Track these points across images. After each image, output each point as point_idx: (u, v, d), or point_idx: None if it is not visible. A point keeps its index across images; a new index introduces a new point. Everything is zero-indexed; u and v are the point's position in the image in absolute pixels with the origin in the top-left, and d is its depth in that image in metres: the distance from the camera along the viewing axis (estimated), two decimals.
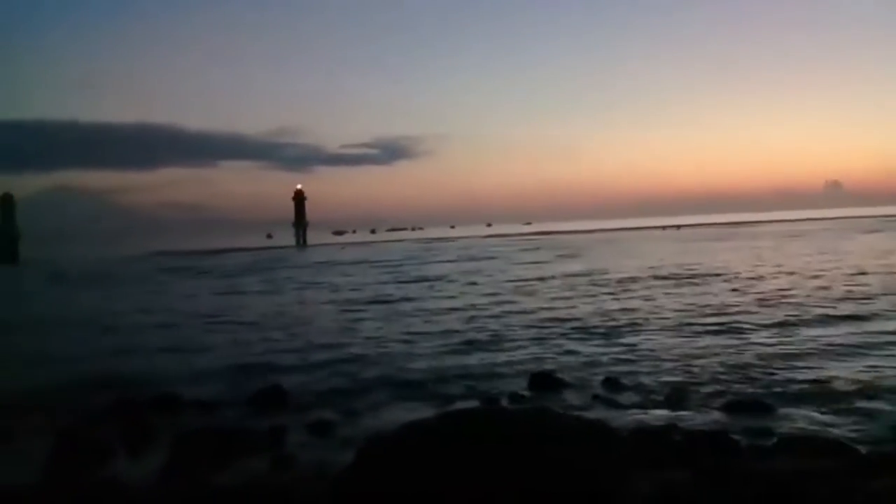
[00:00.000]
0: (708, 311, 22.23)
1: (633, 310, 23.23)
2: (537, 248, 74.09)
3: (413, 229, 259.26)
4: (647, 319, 21.01)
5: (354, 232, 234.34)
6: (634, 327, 19.70)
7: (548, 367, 14.80)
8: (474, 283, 36.40)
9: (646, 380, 13.53)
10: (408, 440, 4.76)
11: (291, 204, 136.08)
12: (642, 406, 11.78)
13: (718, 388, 12.71)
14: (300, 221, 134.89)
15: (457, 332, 20.36)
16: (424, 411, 11.69)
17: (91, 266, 75.40)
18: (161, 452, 9.97)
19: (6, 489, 8.34)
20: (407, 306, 27.61)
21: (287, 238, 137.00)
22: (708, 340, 17.29)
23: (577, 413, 9.16)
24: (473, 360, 16.22)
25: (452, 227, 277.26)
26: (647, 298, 26.22)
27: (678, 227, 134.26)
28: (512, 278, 38.16)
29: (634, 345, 17.07)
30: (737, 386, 12.78)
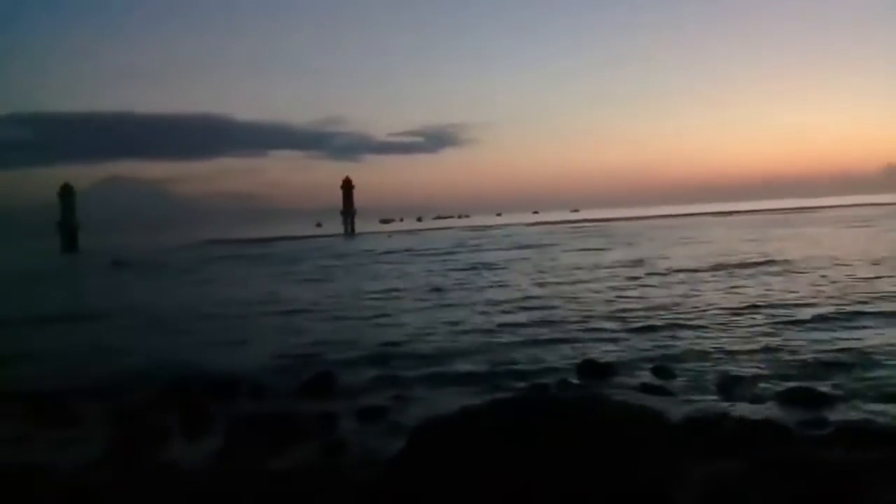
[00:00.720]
0: (765, 300, 21.71)
1: (686, 298, 22.85)
2: (588, 236, 72.83)
3: (459, 217, 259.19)
4: (700, 308, 20.66)
5: (401, 220, 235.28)
6: (688, 316, 19.37)
7: (597, 355, 14.70)
8: (526, 272, 36.02)
9: (697, 368, 13.35)
10: (458, 427, 4.80)
11: (340, 192, 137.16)
12: (693, 394, 11.64)
13: (772, 377, 12.47)
14: (348, 210, 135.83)
15: (507, 321, 20.24)
16: (475, 398, 11.79)
17: (148, 254, 77.32)
18: (216, 437, 10.23)
19: (72, 470, 8.69)
20: (458, 294, 27.49)
21: (335, 226, 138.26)
22: (764, 330, 16.94)
23: (627, 400, 9.12)
24: (524, 348, 16.17)
25: (499, 214, 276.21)
26: (700, 287, 25.70)
27: (729, 213, 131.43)
28: (565, 266, 37.68)
29: (687, 335, 16.82)
30: (791, 376, 12.52)
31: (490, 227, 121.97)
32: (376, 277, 37.94)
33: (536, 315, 20.95)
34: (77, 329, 23.03)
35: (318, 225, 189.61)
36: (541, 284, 29.77)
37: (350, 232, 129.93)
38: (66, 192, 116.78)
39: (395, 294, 28.93)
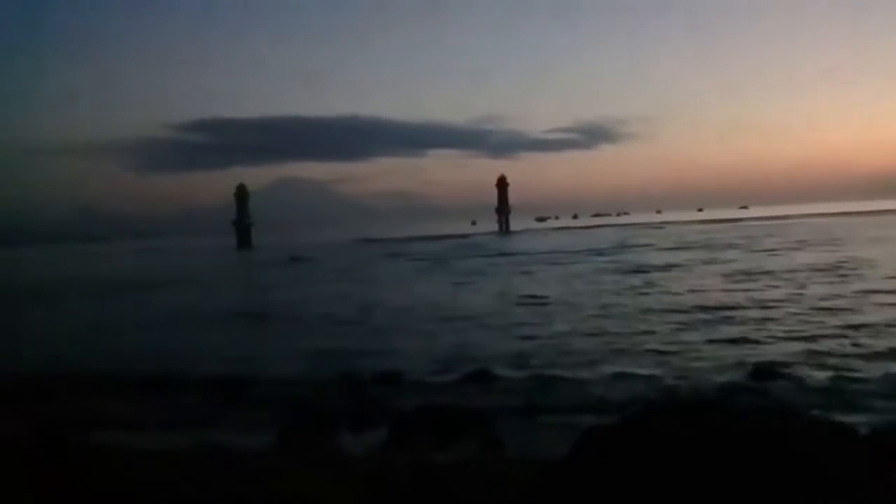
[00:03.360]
0: None
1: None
2: (764, 235, 66.40)
3: (618, 214, 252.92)
4: None
5: (557, 218, 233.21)
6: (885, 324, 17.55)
7: (778, 358, 13.84)
8: (703, 275, 33.21)
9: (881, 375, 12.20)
10: (629, 434, 4.60)
11: (495, 190, 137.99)
12: (878, 404, 10.64)
13: None
14: (503, 208, 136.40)
15: (684, 322, 19.36)
16: (641, 399, 11.40)
17: (317, 251, 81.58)
18: (381, 426, 10.53)
19: (251, 453, 9.25)
20: (623, 298, 26.14)
21: (490, 224, 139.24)
22: None
23: (807, 411, 8.44)
24: (701, 353, 15.33)
25: (659, 211, 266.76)
26: None
27: None
28: (750, 269, 33.85)
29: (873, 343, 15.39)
30: None
31: (651, 224, 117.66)
32: (539, 277, 37.54)
33: (725, 319, 19.57)
34: (260, 322, 24.61)
35: (473, 223, 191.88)
36: (726, 291, 26.55)
37: (505, 230, 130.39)
38: (242, 192, 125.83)
39: (562, 294, 27.91)
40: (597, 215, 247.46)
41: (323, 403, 12.06)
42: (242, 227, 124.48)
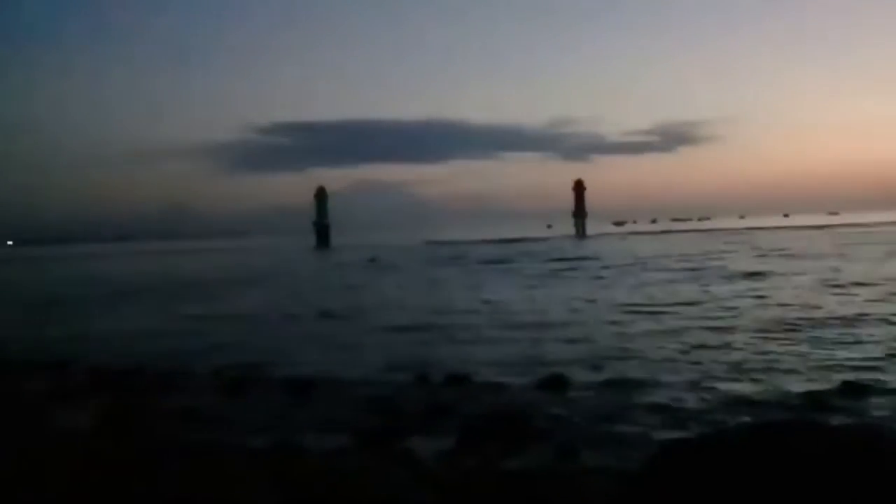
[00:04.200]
0: None
1: None
2: (863, 243, 61.27)
3: (699, 219, 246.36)
4: None
5: (635, 222, 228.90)
6: None
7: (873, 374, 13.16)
8: (804, 283, 30.93)
9: None
10: (713, 451, 4.40)
11: (571, 194, 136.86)
12: None
13: None
14: (580, 212, 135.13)
15: (776, 333, 18.53)
16: (725, 414, 11.03)
17: (394, 252, 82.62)
18: (453, 429, 10.50)
19: (325, 452, 9.37)
20: (709, 307, 24.62)
21: (566, 228, 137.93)
22: None
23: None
24: (793, 365, 14.64)
25: (742, 216, 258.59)
26: None
27: None
28: (854, 279, 31.05)
29: None
30: None
31: (735, 230, 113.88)
32: (617, 284, 36.88)
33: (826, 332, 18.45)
34: (338, 322, 25.03)
35: (549, 226, 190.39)
36: (825, 301, 24.46)
37: (581, 234, 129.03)
38: (321, 194, 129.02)
39: (636, 303, 26.88)
40: (677, 220, 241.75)
41: (395, 405, 12.14)
42: (321, 228, 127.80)
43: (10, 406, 12.57)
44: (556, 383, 13.40)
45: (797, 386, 12.90)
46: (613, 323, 21.66)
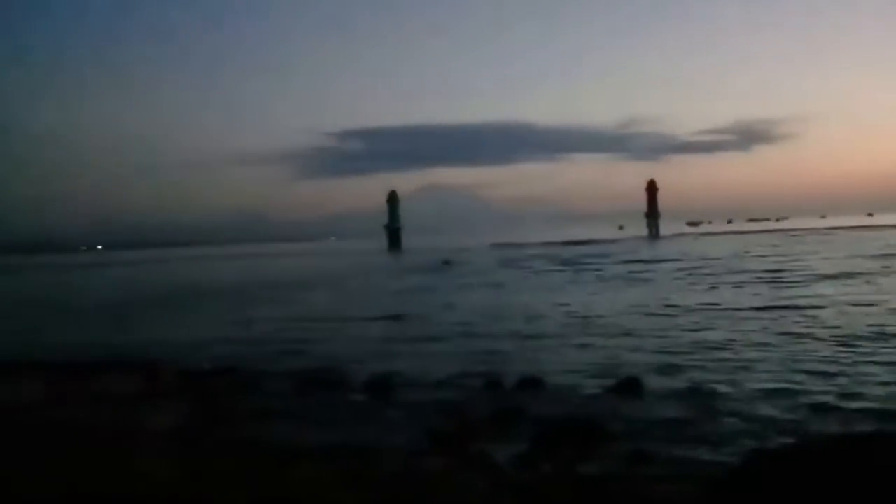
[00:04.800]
0: None
1: None
2: None
3: (777, 220, 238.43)
4: None
5: (710, 223, 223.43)
6: None
7: None
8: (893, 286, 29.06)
9: None
10: (795, 460, 4.34)
11: (643, 195, 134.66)
12: None
13: None
14: (653, 212, 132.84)
15: (861, 339, 17.58)
16: (809, 424, 10.74)
17: (466, 255, 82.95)
18: (525, 433, 10.52)
19: (401, 454, 9.55)
20: (794, 311, 23.29)
21: (638, 229, 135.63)
22: None
23: None
24: (878, 376, 13.93)
25: (823, 216, 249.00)
26: None
27: None
28: None
29: None
30: None
31: (817, 230, 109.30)
32: (690, 286, 36.07)
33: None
34: (411, 323, 25.30)
35: (621, 227, 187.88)
36: None
37: (654, 235, 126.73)
38: (393, 198, 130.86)
39: (728, 308, 25.29)
40: (753, 220, 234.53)
41: (469, 408, 12.24)
42: (393, 231, 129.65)
43: (103, 406, 13.23)
44: (631, 387, 13.26)
45: (881, 393, 12.43)
46: (691, 327, 21.16)
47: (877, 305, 23.37)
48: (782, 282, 33.93)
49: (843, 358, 15.57)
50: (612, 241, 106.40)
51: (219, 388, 14.86)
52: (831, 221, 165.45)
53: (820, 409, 11.64)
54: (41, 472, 8.36)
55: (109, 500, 7.41)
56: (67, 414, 12.19)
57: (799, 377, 13.89)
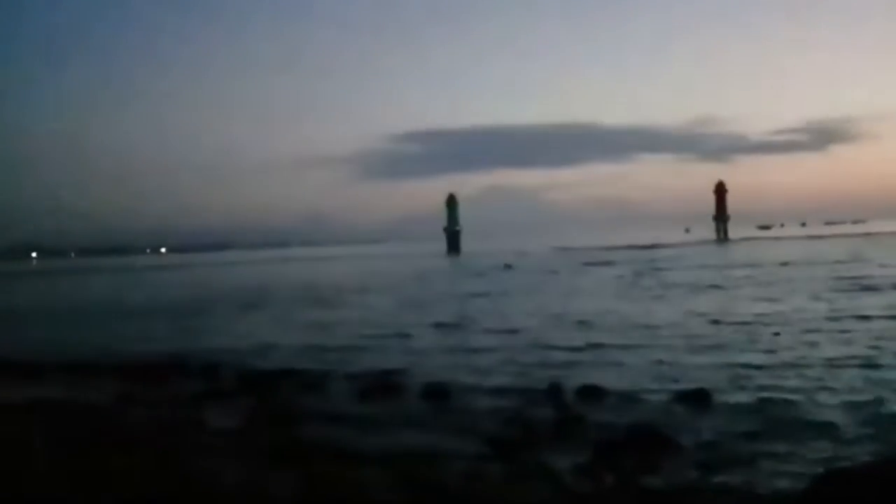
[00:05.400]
0: None
1: None
2: None
3: (854, 223, 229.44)
4: None
5: (782, 226, 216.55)
6: None
7: None
8: None
9: None
10: (876, 480, 4.06)
11: (710, 197, 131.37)
12: None
13: None
14: (721, 215, 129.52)
15: None
16: (892, 438, 10.17)
17: (527, 258, 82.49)
18: (587, 442, 10.31)
19: (466, 459, 9.46)
20: (869, 322, 21.83)
21: (706, 232, 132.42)
22: None
23: None
24: None
25: None
26: None
27: None
28: None
29: None
30: None
31: None
32: (761, 293, 34.69)
33: None
34: (474, 330, 25.08)
35: (687, 230, 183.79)
36: None
37: (723, 238, 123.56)
38: (452, 201, 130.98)
39: (788, 313, 24.43)
40: (829, 223, 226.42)
41: (528, 414, 12.07)
42: (452, 234, 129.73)
43: (169, 406, 13.55)
44: (698, 398, 12.82)
45: None
46: (763, 337, 20.11)
47: None
48: (866, 288, 32.00)
49: None
50: (679, 245, 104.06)
51: (280, 389, 15.05)
52: None
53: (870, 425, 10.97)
54: (108, 468, 8.56)
55: (175, 498, 7.52)
56: (135, 414, 12.53)
57: (877, 391, 13.12)
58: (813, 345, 18.32)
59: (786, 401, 12.67)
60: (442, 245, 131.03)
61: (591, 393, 13.60)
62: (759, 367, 15.73)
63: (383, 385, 15.16)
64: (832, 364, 15.76)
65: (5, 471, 8.51)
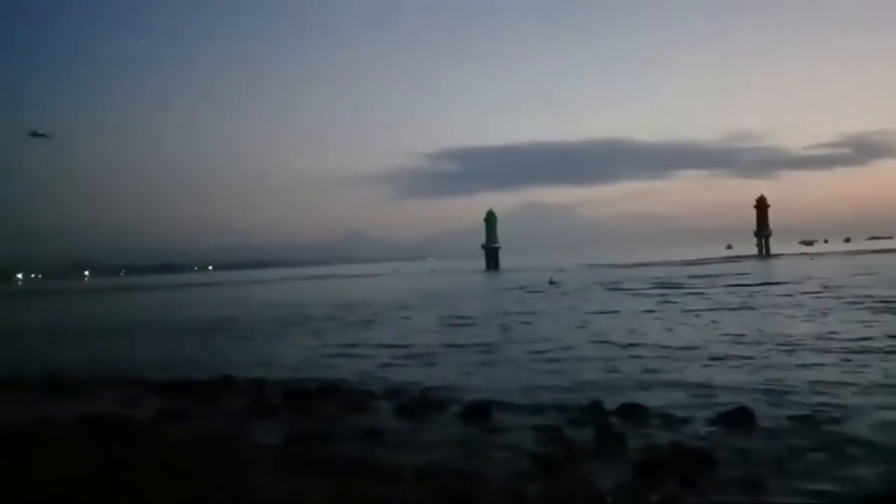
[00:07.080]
0: None
1: None
2: None
3: None
4: None
5: (826, 241, 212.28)
6: None
7: None
8: None
9: None
10: None
11: (751, 212, 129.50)
12: None
13: None
14: (762, 230, 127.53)
15: None
16: None
17: (563, 275, 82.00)
18: (627, 461, 10.25)
19: (506, 478, 9.48)
20: None
21: (748, 248, 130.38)
22: None
23: None
24: None
25: None
26: None
27: None
28: None
29: None
30: None
31: None
32: (810, 313, 33.99)
33: None
34: (517, 347, 24.96)
35: (729, 247, 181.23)
36: None
37: (765, 254, 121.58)
38: (490, 218, 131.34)
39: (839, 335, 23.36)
40: (874, 238, 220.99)
41: (569, 433, 12.04)
42: (490, 251, 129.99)
43: (212, 422, 13.81)
44: (739, 417, 12.66)
45: None
46: (807, 359, 19.56)
47: None
48: None
49: None
50: (722, 261, 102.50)
51: (322, 406, 15.22)
52: None
53: None
54: (155, 484, 8.78)
55: None
56: (179, 430, 12.80)
57: None
58: (861, 364, 17.97)
59: (831, 417, 12.50)
60: (481, 262, 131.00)
61: (633, 411, 13.50)
62: (803, 387, 15.48)
63: (424, 402, 15.24)
64: (880, 384, 15.46)
65: (54, 482, 8.79)
